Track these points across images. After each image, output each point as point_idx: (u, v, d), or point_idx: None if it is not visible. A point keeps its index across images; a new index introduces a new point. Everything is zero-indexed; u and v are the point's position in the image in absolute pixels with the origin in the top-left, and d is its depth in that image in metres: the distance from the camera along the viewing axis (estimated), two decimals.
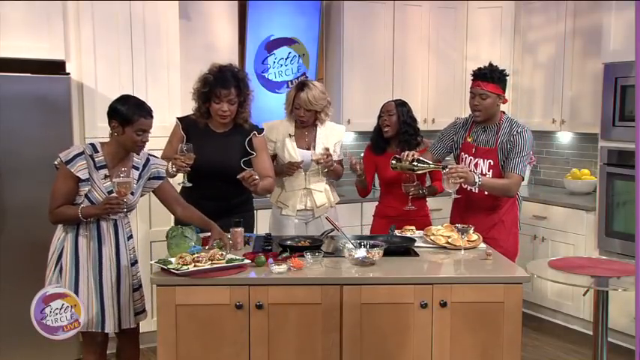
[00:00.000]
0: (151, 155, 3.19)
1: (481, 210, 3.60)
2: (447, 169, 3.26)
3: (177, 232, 3.03)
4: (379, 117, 3.94)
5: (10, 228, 3.90)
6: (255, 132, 3.51)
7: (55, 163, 3.02)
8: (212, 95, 3.35)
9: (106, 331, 3.09)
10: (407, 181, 3.67)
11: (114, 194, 2.94)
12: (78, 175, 2.93)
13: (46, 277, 3.10)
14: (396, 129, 3.86)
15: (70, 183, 2.96)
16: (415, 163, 3.37)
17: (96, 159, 2.99)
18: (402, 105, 3.91)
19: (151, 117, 3.02)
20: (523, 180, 3.60)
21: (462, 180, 3.27)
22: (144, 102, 3.06)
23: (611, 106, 4.57)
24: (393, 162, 3.43)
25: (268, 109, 5.20)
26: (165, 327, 2.71)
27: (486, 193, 3.53)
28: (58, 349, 3.92)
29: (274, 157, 3.82)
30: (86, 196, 2.97)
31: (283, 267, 2.78)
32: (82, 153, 2.97)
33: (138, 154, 3.10)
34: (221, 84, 3.33)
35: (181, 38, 4.50)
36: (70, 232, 3.03)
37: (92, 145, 3.02)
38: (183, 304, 2.70)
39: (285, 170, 3.75)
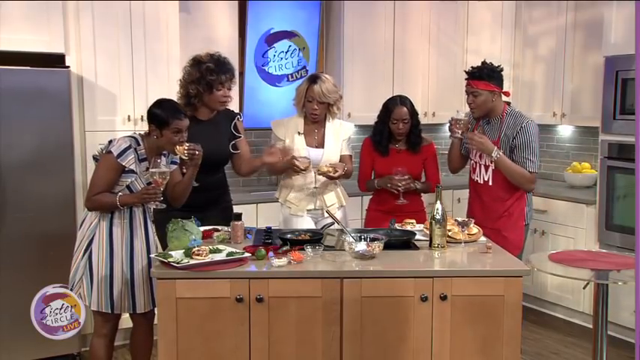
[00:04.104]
0: None
1: (488, 201, 3.68)
2: (469, 134, 3.61)
3: (178, 226, 3.02)
4: (388, 121, 3.79)
5: (9, 222, 3.89)
6: (239, 115, 3.70)
7: (96, 153, 3.18)
8: (215, 83, 3.45)
9: (138, 312, 3.18)
10: (397, 175, 3.66)
11: (152, 184, 3.06)
12: (131, 167, 3.06)
13: (74, 262, 3.16)
14: (409, 133, 3.84)
15: (115, 174, 3.07)
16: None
17: (139, 151, 3.11)
18: (412, 107, 3.81)
19: (186, 117, 3.16)
20: (536, 175, 3.67)
21: (475, 146, 3.58)
22: (178, 104, 3.27)
23: (611, 100, 4.56)
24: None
25: (268, 102, 5.21)
26: (166, 320, 2.71)
27: (490, 184, 3.64)
28: (59, 342, 3.91)
29: None
30: (128, 187, 3.09)
31: (283, 260, 2.78)
32: (130, 146, 3.07)
33: (175, 155, 3.21)
34: (224, 71, 3.47)
35: (181, 32, 4.50)
36: (104, 220, 3.11)
37: (135, 138, 3.13)
38: (183, 297, 2.70)
39: (288, 168, 3.65)
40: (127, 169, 3.06)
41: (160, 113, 3.09)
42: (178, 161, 3.30)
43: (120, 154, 3.03)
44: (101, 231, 3.11)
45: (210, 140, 3.42)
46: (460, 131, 3.67)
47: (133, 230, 3.15)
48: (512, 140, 3.58)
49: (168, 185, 3.23)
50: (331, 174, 3.61)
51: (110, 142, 3.10)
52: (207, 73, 3.45)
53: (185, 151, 3.14)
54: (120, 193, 3.07)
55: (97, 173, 3.10)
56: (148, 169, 3.10)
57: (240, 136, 3.66)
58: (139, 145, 3.11)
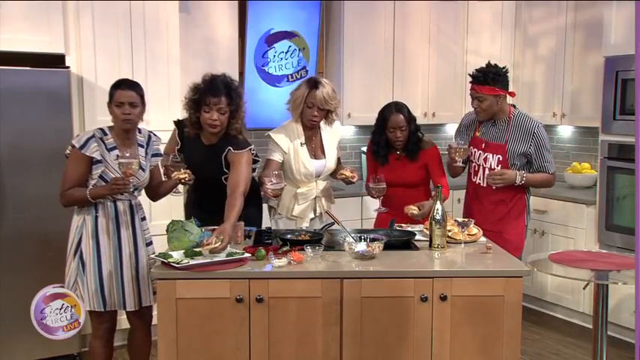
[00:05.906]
0: (152, 133, 3.31)
1: (489, 203, 3.67)
2: (490, 173, 3.59)
3: (178, 226, 3.02)
4: (386, 129, 3.67)
5: (9, 222, 3.89)
6: (231, 148, 3.28)
7: (67, 152, 3.13)
8: (202, 103, 3.24)
9: (127, 310, 3.17)
10: (372, 183, 3.53)
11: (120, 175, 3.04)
12: (93, 155, 3.04)
13: (67, 267, 3.15)
14: (407, 141, 3.72)
15: (82, 166, 3.06)
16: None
17: (106, 141, 3.10)
18: (408, 113, 3.69)
19: (128, 88, 3.09)
20: (555, 171, 3.76)
21: (501, 183, 3.56)
22: (127, 79, 3.20)
23: (611, 100, 4.56)
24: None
25: (268, 102, 5.20)
26: (166, 320, 2.71)
27: (494, 187, 3.62)
28: (59, 342, 3.91)
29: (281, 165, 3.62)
30: (101, 177, 3.07)
31: (283, 260, 2.78)
32: (93, 136, 3.08)
33: (124, 130, 3.13)
34: (211, 91, 3.22)
35: (181, 32, 4.49)
36: (88, 217, 3.11)
37: (101, 129, 3.14)
38: (183, 297, 2.70)
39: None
40: (94, 159, 3.04)
41: (109, 90, 3.10)
42: (162, 153, 3.32)
43: (82, 146, 3.03)
44: (87, 229, 3.10)
45: (205, 165, 3.30)
46: (461, 159, 3.64)
47: (119, 224, 3.14)
48: (527, 149, 3.59)
49: (152, 181, 3.26)
50: (350, 179, 3.59)
51: (77, 136, 3.13)
52: (194, 92, 3.30)
53: (180, 178, 3.15)
54: (90, 187, 3.06)
55: (67, 168, 3.11)
56: (118, 156, 3.07)
57: (226, 173, 3.31)
58: (105, 134, 3.11)
